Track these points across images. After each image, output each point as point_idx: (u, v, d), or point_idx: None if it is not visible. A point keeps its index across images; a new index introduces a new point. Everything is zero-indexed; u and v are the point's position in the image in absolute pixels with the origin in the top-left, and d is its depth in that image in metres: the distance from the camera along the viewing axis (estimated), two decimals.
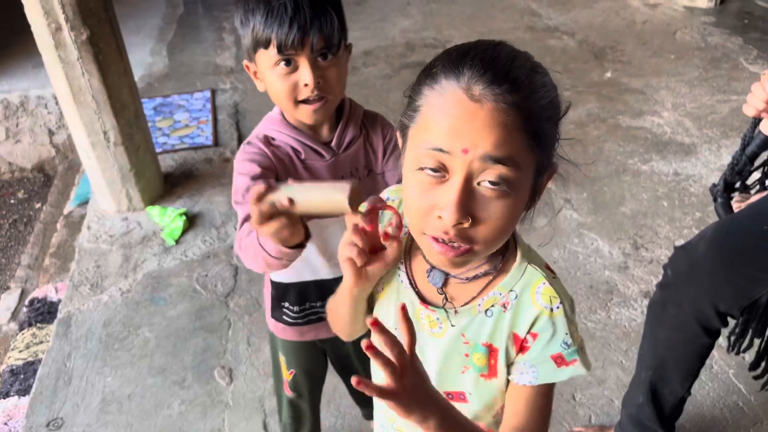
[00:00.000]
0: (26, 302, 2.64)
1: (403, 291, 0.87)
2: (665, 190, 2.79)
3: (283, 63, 1.06)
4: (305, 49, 1.04)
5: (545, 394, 0.82)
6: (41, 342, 2.38)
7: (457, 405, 0.85)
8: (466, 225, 0.69)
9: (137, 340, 2.20)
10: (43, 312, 2.54)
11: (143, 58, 4.09)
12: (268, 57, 1.06)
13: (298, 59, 1.06)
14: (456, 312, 0.82)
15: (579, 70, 3.77)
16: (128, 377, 2.08)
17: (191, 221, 2.70)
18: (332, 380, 2.02)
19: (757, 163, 1.48)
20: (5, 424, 2.09)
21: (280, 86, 1.08)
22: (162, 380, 2.06)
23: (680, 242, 2.45)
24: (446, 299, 0.83)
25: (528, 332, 0.79)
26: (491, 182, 0.68)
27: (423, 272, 0.84)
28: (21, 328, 2.49)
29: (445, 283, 0.82)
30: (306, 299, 1.33)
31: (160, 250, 2.57)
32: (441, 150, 0.68)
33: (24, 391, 2.17)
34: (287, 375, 1.53)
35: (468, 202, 0.68)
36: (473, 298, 0.81)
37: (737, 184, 1.51)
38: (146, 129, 2.75)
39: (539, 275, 0.79)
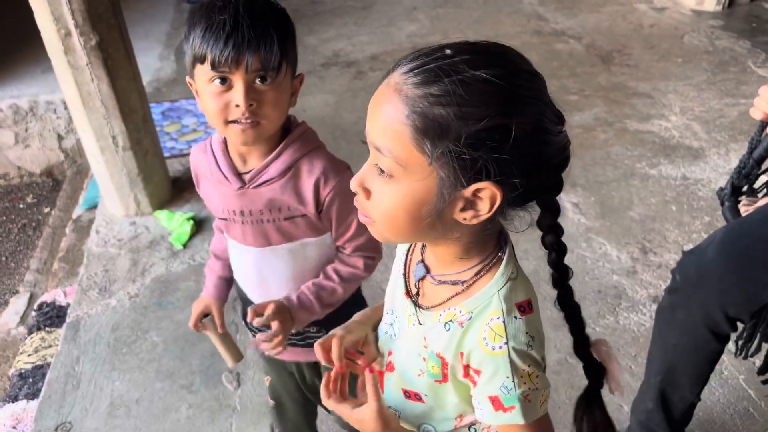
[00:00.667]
0: (35, 306, 2.66)
1: (399, 278, 0.90)
2: (674, 194, 2.77)
3: (217, 80, 1.02)
4: (240, 69, 1.00)
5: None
6: (50, 346, 2.39)
7: (414, 404, 0.87)
8: (361, 195, 0.75)
9: (145, 345, 2.21)
10: (52, 316, 2.55)
11: (151, 63, 4.12)
12: (203, 73, 1.03)
13: (233, 78, 1.02)
14: (422, 313, 0.84)
15: (586, 74, 3.77)
16: (136, 381, 2.08)
17: (199, 226, 2.71)
18: None
19: (765, 166, 1.47)
20: (14, 427, 2.09)
21: (213, 104, 1.04)
22: (170, 384, 2.07)
23: (689, 247, 2.44)
24: (417, 294, 0.85)
25: (469, 361, 0.78)
26: (379, 167, 0.72)
27: (415, 263, 0.87)
28: (30, 332, 2.50)
29: (423, 278, 0.85)
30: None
31: (168, 255, 2.58)
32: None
33: (33, 395, 2.18)
34: (266, 381, 1.54)
35: (366, 177, 0.74)
36: (437, 306, 0.82)
37: (744, 188, 1.50)
38: (154, 133, 2.77)
39: (499, 308, 0.76)
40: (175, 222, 2.68)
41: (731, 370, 1.99)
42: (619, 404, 1.91)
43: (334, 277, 1.20)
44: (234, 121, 1.05)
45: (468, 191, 0.69)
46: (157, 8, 5.02)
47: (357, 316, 0.99)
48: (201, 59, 1.02)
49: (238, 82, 1.02)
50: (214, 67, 1.01)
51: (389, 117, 0.69)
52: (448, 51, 0.68)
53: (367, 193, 0.75)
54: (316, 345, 0.89)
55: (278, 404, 1.56)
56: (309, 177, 1.13)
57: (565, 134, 0.72)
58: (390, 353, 0.91)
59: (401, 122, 0.68)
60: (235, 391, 2.03)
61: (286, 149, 1.13)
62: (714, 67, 3.78)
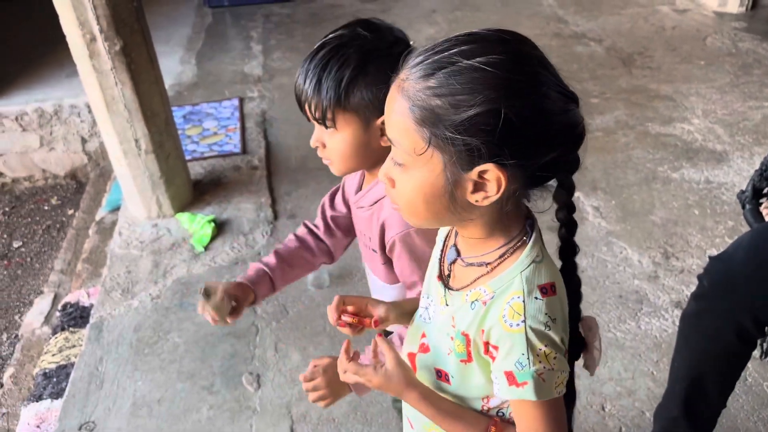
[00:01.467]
0: (59, 307, 2.69)
1: (434, 262, 0.95)
2: (696, 198, 2.74)
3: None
4: (306, 115, 1.09)
5: (530, 410, 0.81)
6: (74, 346, 2.43)
7: (444, 384, 0.90)
8: (388, 185, 0.81)
9: (167, 345, 2.23)
10: (76, 316, 2.59)
11: (173, 66, 4.16)
12: None
13: None
14: (452, 294, 0.88)
15: (607, 77, 3.74)
16: (158, 382, 2.11)
17: (220, 228, 2.73)
18: None
19: None
20: (38, 426, 2.12)
21: None
22: (191, 385, 2.09)
23: (712, 251, 2.42)
24: (449, 276, 0.90)
25: (489, 338, 0.81)
26: (394, 158, 0.78)
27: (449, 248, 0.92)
28: (54, 332, 2.54)
29: (454, 262, 0.89)
30: None
31: (189, 257, 2.60)
32: None
33: (57, 395, 2.21)
34: None
35: (389, 168, 0.80)
36: (465, 287, 0.86)
37: (766, 190, 1.48)
38: (176, 137, 2.80)
39: (520, 288, 0.79)
40: (197, 224, 2.71)
41: (755, 377, 1.96)
42: (640, 410, 1.89)
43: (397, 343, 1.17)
44: None
45: (473, 174, 0.73)
46: (179, 12, 5.08)
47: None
48: None
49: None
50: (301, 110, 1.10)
51: (396, 112, 0.75)
52: (447, 44, 0.73)
53: (392, 182, 0.81)
54: (329, 308, 0.97)
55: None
56: (382, 216, 1.15)
57: (575, 113, 0.74)
58: (423, 335, 0.95)
59: (405, 115, 0.74)
60: (255, 393, 2.04)
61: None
62: (737, 70, 3.73)
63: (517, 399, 0.80)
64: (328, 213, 1.34)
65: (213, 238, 2.67)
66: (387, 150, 1.10)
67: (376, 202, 1.16)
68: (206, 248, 2.63)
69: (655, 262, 2.42)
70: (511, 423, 0.89)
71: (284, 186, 3.02)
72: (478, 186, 0.74)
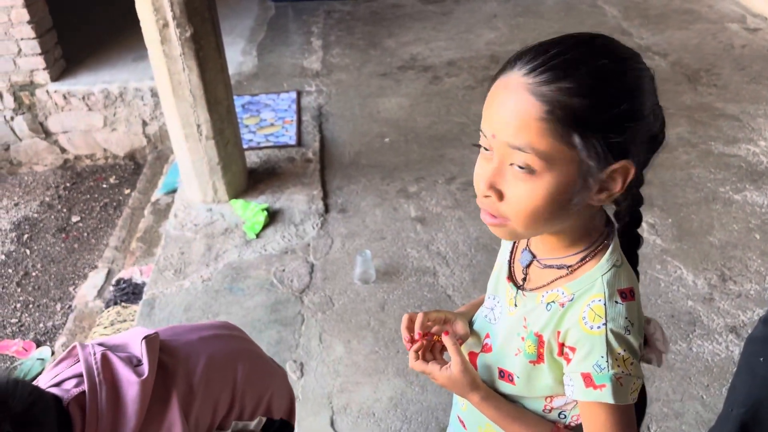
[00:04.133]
0: (112, 282, 2.78)
1: (503, 264, 0.94)
2: (758, 222, 2.65)
3: None
4: None
5: (602, 414, 0.79)
6: (125, 320, 2.50)
7: (506, 385, 0.90)
8: (491, 197, 0.76)
9: None
10: (128, 292, 2.67)
11: (234, 57, 4.25)
12: None
13: None
14: (524, 295, 0.87)
15: (670, 93, 3.65)
16: None
17: (272, 217, 2.77)
18: (399, 384, 2.03)
19: None
20: None
21: None
22: None
23: None
24: (524, 279, 0.88)
25: (565, 339, 0.80)
26: (518, 165, 0.73)
27: (521, 251, 0.91)
28: (106, 306, 2.63)
29: (530, 265, 0.88)
30: None
31: (241, 243, 2.65)
32: (482, 132, 0.76)
33: None
34: None
35: (497, 179, 0.75)
36: (541, 287, 0.85)
37: None
38: (236, 125, 2.85)
39: (601, 291, 0.78)
40: (250, 212, 2.75)
41: None
42: None
43: None
44: None
45: (606, 173, 0.73)
46: (242, 4, 5.18)
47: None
48: None
49: None
50: None
51: (525, 115, 0.71)
52: (562, 45, 0.72)
53: (499, 194, 0.76)
54: (404, 317, 0.95)
55: None
56: None
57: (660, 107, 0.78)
58: (488, 336, 0.95)
59: (541, 118, 0.70)
60: (298, 381, 2.07)
61: None
62: None
63: (592, 401, 0.78)
64: None
65: (265, 227, 2.71)
66: None
67: None
68: (258, 236, 2.68)
69: (710, 284, 2.36)
70: (572, 429, 0.88)
71: (336, 180, 3.05)
72: (603, 186, 0.75)
